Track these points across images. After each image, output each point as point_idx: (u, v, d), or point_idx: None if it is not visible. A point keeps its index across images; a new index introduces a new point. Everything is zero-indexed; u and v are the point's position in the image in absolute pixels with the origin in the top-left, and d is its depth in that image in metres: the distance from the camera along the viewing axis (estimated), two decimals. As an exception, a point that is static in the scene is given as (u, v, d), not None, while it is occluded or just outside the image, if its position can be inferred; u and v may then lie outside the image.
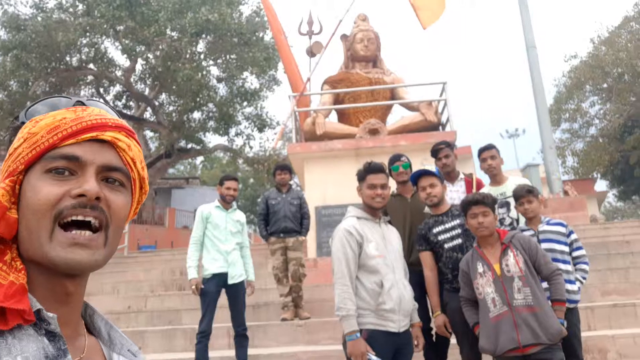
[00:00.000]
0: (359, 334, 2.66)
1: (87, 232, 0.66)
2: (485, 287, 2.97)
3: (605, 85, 23.46)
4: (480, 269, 3.02)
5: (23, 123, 0.71)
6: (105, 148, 0.70)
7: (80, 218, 0.66)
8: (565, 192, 14.35)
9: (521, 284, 2.90)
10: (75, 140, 0.68)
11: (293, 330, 5.76)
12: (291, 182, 6.12)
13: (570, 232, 3.75)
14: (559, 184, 10.29)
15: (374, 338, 2.69)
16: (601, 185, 31.58)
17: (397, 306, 2.75)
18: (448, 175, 4.36)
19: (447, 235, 3.47)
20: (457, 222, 3.48)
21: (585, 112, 25.00)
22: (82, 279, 0.72)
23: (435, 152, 4.40)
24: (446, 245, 3.46)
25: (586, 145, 24.75)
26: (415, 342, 3.00)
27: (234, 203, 5.00)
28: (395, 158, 4.21)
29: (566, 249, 3.66)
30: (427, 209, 3.74)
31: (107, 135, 0.71)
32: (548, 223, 3.75)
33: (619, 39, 23.08)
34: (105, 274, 9.60)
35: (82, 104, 0.74)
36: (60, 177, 0.67)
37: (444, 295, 3.55)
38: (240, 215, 5.01)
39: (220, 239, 4.75)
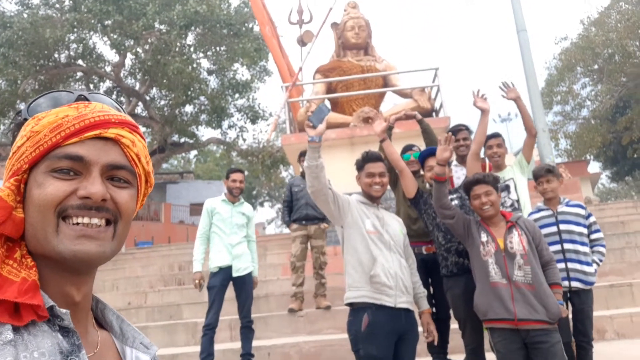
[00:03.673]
0: (317, 139, 2.84)
1: (95, 223, 0.67)
2: (487, 257, 2.98)
3: (596, 67, 23.48)
4: (484, 238, 3.02)
5: (25, 119, 0.70)
6: (109, 145, 0.70)
7: (85, 220, 0.66)
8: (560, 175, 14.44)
9: (522, 262, 2.91)
10: (79, 139, 0.67)
11: (294, 320, 5.78)
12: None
13: (589, 215, 3.75)
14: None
15: (374, 323, 2.65)
16: (594, 167, 31.82)
17: (392, 282, 2.75)
18: (462, 158, 4.40)
19: None
20: (455, 195, 3.54)
21: (577, 94, 25.03)
22: (90, 273, 0.72)
23: (453, 133, 4.41)
24: None
25: (578, 127, 24.81)
26: (426, 332, 2.97)
27: (241, 196, 4.98)
28: (408, 147, 4.29)
29: (585, 230, 3.67)
30: (428, 186, 3.76)
31: (111, 132, 0.70)
32: (567, 204, 3.73)
33: (609, 20, 23.07)
34: (104, 271, 9.60)
35: (85, 98, 0.73)
36: (66, 176, 0.67)
37: (444, 281, 3.57)
38: (247, 208, 4.98)
39: (226, 232, 4.75)
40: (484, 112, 3.84)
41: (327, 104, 9.96)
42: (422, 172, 4.25)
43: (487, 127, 3.88)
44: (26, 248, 0.67)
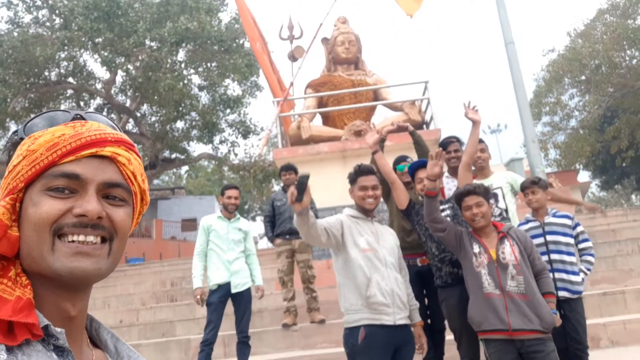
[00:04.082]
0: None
1: (90, 240, 0.67)
2: (479, 268, 2.99)
3: (583, 78, 23.76)
4: (476, 249, 3.03)
5: (22, 138, 0.70)
6: (105, 164, 0.70)
7: (81, 238, 0.66)
8: (550, 185, 14.53)
9: (515, 272, 2.91)
10: (75, 157, 0.68)
11: (289, 335, 5.74)
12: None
13: (577, 225, 3.81)
14: (544, 177, 10.40)
15: (371, 335, 2.69)
16: (584, 176, 32.05)
17: (389, 299, 2.75)
18: (454, 170, 4.41)
19: None
20: (446, 205, 3.54)
21: (565, 105, 25.30)
22: (86, 291, 0.72)
23: (444, 146, 4.43)
24: None
25: (567, 137, 25.05)
26: (417, 344, 2.96)
27: (237, 212, 5.00)
28: (401, 158, 4.29)
29: (571, 241, 3.73)
30: (420, 198, 3.77)
31: (107, 150, 0.70)
32: (554, 215, 3.80)
33: (595, 32, 23.42)
34: (96, 289, 9.49)
35: (82, 117, 0.73)
36: (61, 194, 0.67)
37: (438, 292, 3.58)
38: (244, 224, 5.01)
39: (223, 249, 4.77)
40: (475, 123, 3.84)
41: (319, 117, 10.01)
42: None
43: (478, 138, 3.89)
44: (20, 267, 0.67)
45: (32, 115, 0.74)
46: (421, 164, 3.61)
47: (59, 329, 0.63)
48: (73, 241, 0.66)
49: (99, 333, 0.78)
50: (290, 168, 5.83)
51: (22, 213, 0.67)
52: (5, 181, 0.69)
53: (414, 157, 4.43)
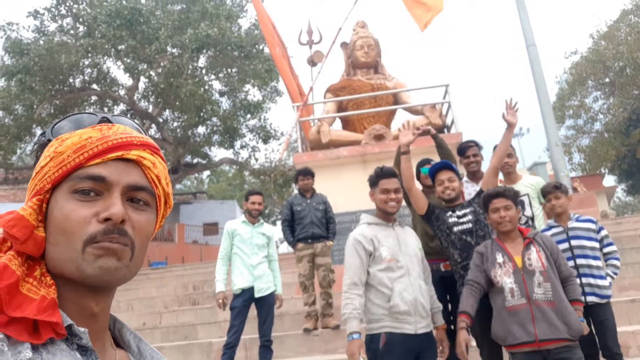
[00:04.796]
0: (356, 335, 2.67)
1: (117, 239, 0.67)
2: (504, 277, 2.91)
3: (607, 80, 23.36)
4: (500, 259, 2.96)
5: (49, 140, 0.71)
6: (130, 167, 0.71)
7: (107, 245, 0.67)
8: (575, 189, 14.28)
9: (542, 279, 2.84)
10: (101, 160, 0.68)
11: (310, 340, 5.73)
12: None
13: (601, 229, 3.74)
14: (568, 181, 10.23)
15: (392, 341, 2.69)
16: (609, 180, 31.41)
17: (412, 308, 2.74)
18: (473, 175, 4.34)
19: (457, 220, 3.45)
20: (468, 209, 3.45)
21: (589, 108, 24.88)
22: (109, 292, 0.72)
23: (463, 150, 4.37)
24: (455, 228, 3.43)
25: (592, 140, 24.61)
26: (440, 347, 2.96)
27: (261, 217, 5.07)
28: (425, 161, 4.24)
29: (596, 245, 3.66)
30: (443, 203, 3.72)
31: (133, 154, 0.71)
32: (577, 220, 3.73)
33: (619, 33, 23.02)
34: (119, 292, 9.62)
35: (108, 120, 0.74)
36: (87, 197, 0.67)
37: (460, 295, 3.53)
38: (267, 229, 5.06)
39: (247, 253, 4.82)
40: (510, 125, 3.66)
41: (338, 122, 10.02)
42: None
43: (510, 142, 3.72)
44: (45, 267, 0.68)
45: (59, 118, 0.75)
46: (441, 166, 3.55)
47: (82, 329, 0.64)
48: (101, 245, 0.66)
49: (122, 333, 0.79)
50: (307, 173, 5.86)
51: (48, 214, 0.68)
52: (32, 182, 0.70)
53: (437, 159, 4.39)
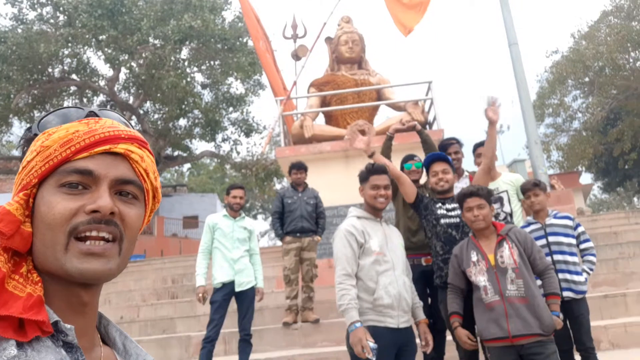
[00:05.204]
0: (358, 324, 2.68)
1: (102, 242, 0.67)
2: (478, 276, 2.98)
3: (586, 79, 23.71)
4: (474, 257, 3.02)
5: (36, 135, 0.71)
6: (118, 161, 0.71)
7: (94, 234, 0.66)
8: (552, 186, 14.52)
9: (514, 275, 2.90)
10: (89, 154, 0.68)
11: (289, 334, 5.75)
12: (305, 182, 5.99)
13: (577, 225, 3.83)
14: (546, 178, 10.39)
15: (375, 336, 2.72)
16: (586, 178, 32.04)
17: (395, 302, 2.78)
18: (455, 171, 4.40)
19: (446, 212, 3.49)
20: (456, 204, 3.47)
21: (568, 107, 25.25)
22: (96, 289, 0.72)
23: (444, 147, 4.41)
24: (443, 221, 3.47)
25: (570, 139, 24.99)
26: (423, 341, 3.00)
27: (242, 211, 5.05)
28: (409, 157, 4.27)
29: (573, 241, 3.75)
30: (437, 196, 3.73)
31: (120, 147, 0.71)
32: (555, 216, 3.82)
33: (599, 33, 23.34)
34: (97, 286, 9.52)
35: (95, 114, 0.74)
36: (74, 191, 0.67)
37: (438, 292, 3.58)
38: (249, 223, 5.06)
39: (228, 247, 4.81)
40: (492, 123, 3.63)
41: (322, 117, 10.02)
42: (421, 182, 4.28)
43: (494, 138, 3.69)
44: (32, 263, 0.67)
45: (46, 112, 0.74)
46: (437, 157, 3.57)
47: (68, 326, 0.64)
48: (85, 240, 0.66)
49: (107, 330, 0.78)
50: (301, 167, 5.91)
51: (35, 209, 0.68)
52: (19, 177, 0.70)
53: (421, 155, 4.43)
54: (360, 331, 2.65)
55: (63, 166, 0.67)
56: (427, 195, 3.73)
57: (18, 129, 20.15)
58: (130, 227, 0.71)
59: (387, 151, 3.98)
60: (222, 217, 4.96)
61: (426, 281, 3.87)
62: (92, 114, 0.74)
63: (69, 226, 0.65)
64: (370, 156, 3.66)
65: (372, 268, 2.82)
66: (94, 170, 0.68)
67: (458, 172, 4.41)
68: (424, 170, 3.81)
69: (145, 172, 0.74)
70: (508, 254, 2.95)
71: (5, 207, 0.66)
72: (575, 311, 3.57)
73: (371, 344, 2.61)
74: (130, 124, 0.79)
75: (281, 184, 24.73)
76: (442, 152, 3.71)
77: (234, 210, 4.96)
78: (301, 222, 5.71)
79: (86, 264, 0.65)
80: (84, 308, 0.70)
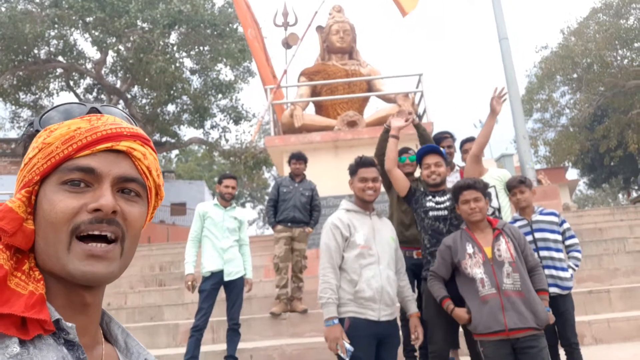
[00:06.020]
0: (335, 321, 2.72)
1: (103, 244, 0.66)
2: (474, 268, 2.97)
3: (575, 76, 23.89)
4: (470, 249, 3.02)
5: (37, 131, 0.70)
6: (120, 158, 0.70)
7: (96, 233, 0.66)
8: (539, 181, 14.65)
9: (511, 269, 2.92)
10: (91, 151, 0.67)
11: (277, 323, 5.76)
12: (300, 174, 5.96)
13: (563, 222, 3.87)
14: (533, 173, 10.48)
15: (355, 326, 2.75)
16: (572, 173, 32.37)
17: (377, 295, 2.80)
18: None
19: (435, 205, 3.50)
20: (446, 197, 3.49)
21: (556, 102, 25.46)
22: (99, 290, 0.71)
23: (437, 141, 4.42)
24: (430, 213, 3.48)
25: (557, 134, 25.23)
26: (414, 335, 3.03)
27: (233, 201, 5.04)
28: (404, 150, 4.27)
29: (559, 237, 3.80)
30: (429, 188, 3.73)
31: (122, 145, 0.70)
32: (541, 213, 3.86)
33: (588, 30, 23.51)
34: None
35: (97, 110, 0.73)
36: (76, 189, 0.66)
37: (421, 284, 3.60)
38: (239, 213, 5.04)
39: (217, 236, 4.81)
40: (494, 112, 3.68)
41: (312, 106, 9.98)
42: (416, 175, 4.28)
43: (492, 128, 3.76)
44: (34, 261, 0.67)
45: (48, 108, 0.73)
46: (429, 150, 3.56)
47: (69, 324, 0.64)
48: (87, 240, 0.65)
49: (109, 327, 0.78)
50: (300, 157, 5.88)
51: (37, 207, 0.67)
52: (21, 174, 0.69)
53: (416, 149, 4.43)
54: (337, 329, 2.69)
55: (65, 164, 0.67)
56: (422, 189, 3.74)
57: (2, 110, 19.80)
58: (132, 226, 0.70)
59: (383, 144, 3.98)
60: (212, 205, 4.94)
61: (415, 274, 3.90)
62: (94, 110, 0.73)
63: (71, 225, 0.65)
64: (394, 137, 3.68)
65: (356, 261, 2.84)
66: (96, 168, 0.67)
67: (450, 166, 4.43)
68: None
69: (147, 170, 0.73)
70: (505, 248, 2.97)
71: (8, 205, 0.66)
72: (560, 307, 3.62)
73: (347, 344, 2.63)
74: (133, 120, 0.77)
75: (270, 173, 24.68)
76: (436, 145, 3.70)
77: (226, 200, 4.94)
78: (293, 212, 5.70)
79: (88, 267, 0.65)
80: (85, 307, 0.69)
